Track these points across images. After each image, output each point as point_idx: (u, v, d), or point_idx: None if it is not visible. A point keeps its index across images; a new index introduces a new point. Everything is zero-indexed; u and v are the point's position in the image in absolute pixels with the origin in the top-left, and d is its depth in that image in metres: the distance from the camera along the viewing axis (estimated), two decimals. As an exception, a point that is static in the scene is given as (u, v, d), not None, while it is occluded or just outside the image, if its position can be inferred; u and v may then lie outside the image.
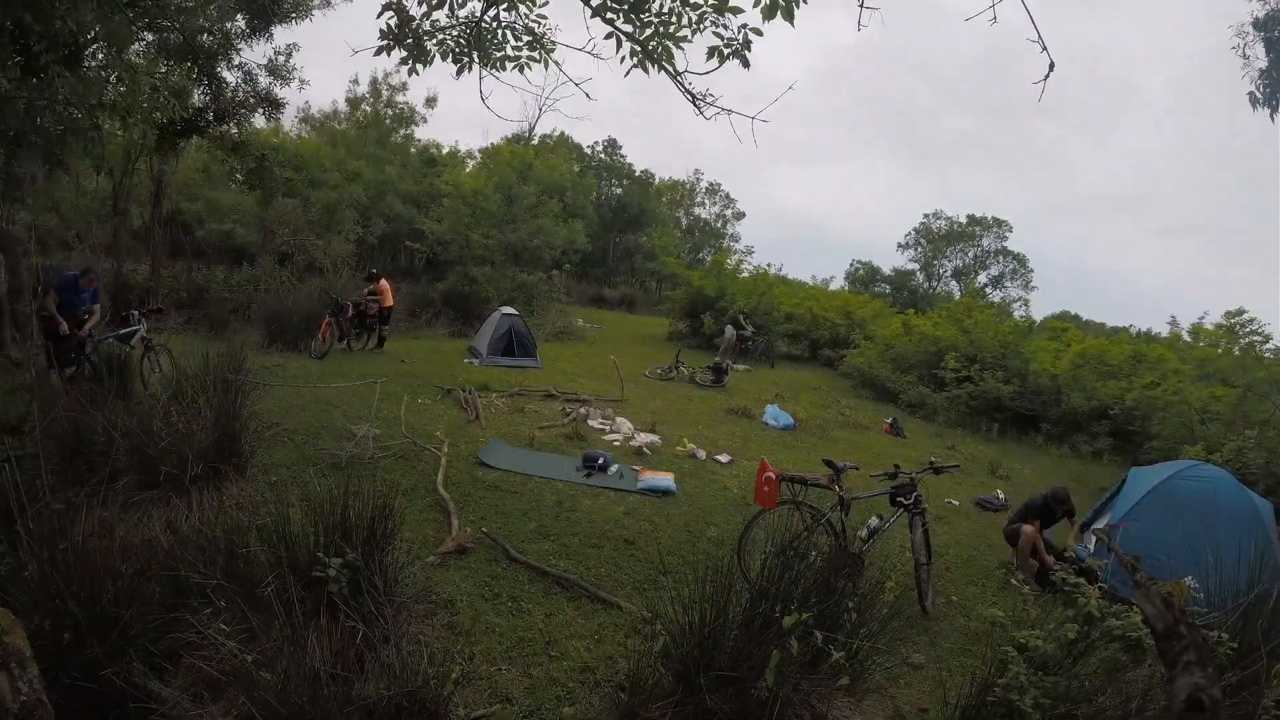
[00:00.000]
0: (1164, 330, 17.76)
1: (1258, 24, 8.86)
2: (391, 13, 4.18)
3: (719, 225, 48.34)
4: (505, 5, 4.36)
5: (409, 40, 4.26)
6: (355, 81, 27.08)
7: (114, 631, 2.87)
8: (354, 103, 27.03)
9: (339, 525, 3.50)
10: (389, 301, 13.33)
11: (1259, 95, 8.96)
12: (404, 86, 27.04)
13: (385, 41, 4.22)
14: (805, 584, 3.27)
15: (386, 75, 26.56)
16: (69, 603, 2.83)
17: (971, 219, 46.82)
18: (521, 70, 4.52)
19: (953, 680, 3.68)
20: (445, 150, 34.11)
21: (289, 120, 26.23)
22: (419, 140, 31.24)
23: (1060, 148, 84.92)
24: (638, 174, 40.36)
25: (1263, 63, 8.87)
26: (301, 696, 2.55)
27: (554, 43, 4.53)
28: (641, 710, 3.02)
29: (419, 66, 4.37)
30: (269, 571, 3.20)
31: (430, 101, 28.50)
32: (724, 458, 8.18)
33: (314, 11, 11.28)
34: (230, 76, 11.36)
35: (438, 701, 2.72)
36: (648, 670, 3.15)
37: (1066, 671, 3.11)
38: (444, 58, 4.40)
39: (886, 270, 44.66)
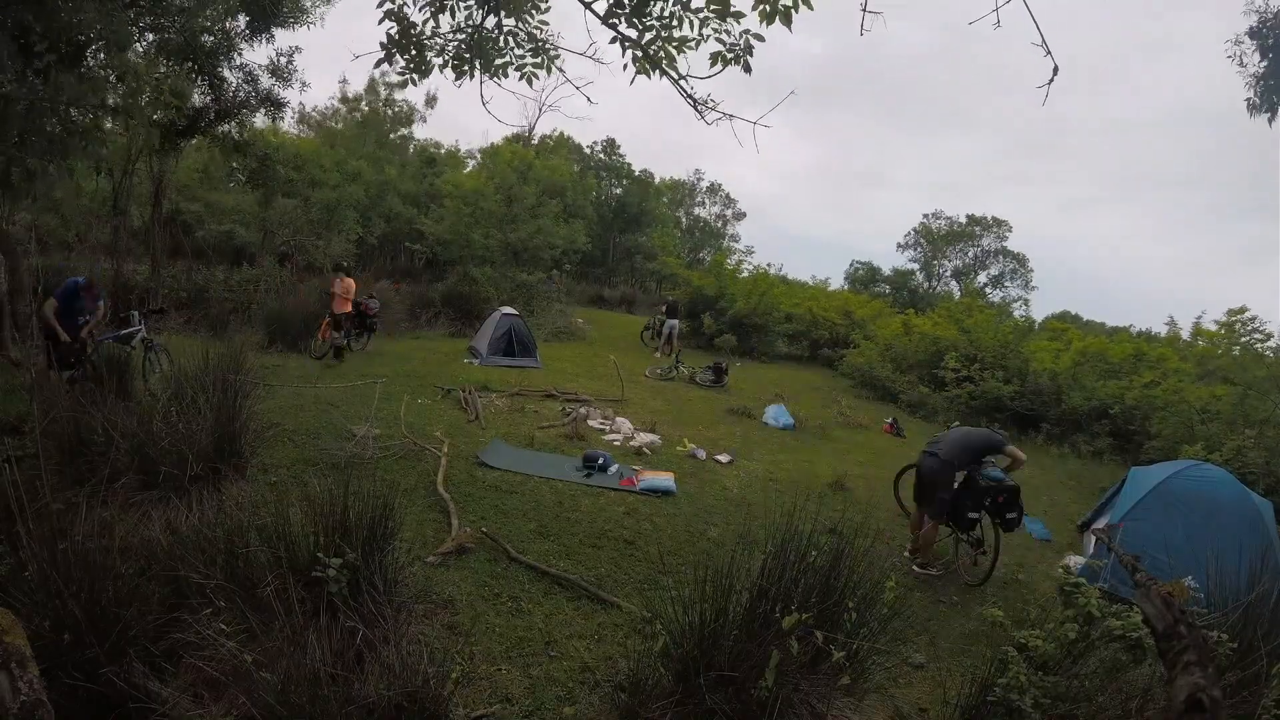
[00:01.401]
0: (1164, 330, 17.73)
1: (1253, 32, 8.92)
2: (392, 22, 4.17)
3: (719, 225, 48.36)
4: (506, 13, 4.36)
5: (411, 50, 4.25)
6: (347, 81, 27.09)
7: (114, 631, 2.87)
8: (352, 103, 27.03)
9: (339, 525, 3.50)
10: (345, 306, 11.30)
11: (1256, 101, 9.02)
12: (403, 85, 27.08)
13: (387, 51, 4.22)
14: (805, 584, 3.27)
15: (384, 74, 26.59)
16: (69, 603, 2.83)
17: (971, 219, 46.86)
18: (530, 83, 4.51)
19: (953, 680, 3.68)
20: (445, 150, 34.15)
21: (288, 120, 26.23)
22: (418, 140, 31.28)
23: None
24: (637, 174, 40.38)
25: (1258, 70, 8.93)
26: (301, 696, 2.55)
27: (556, 49, 4.53)
28: (641, 710, 3.02)
29: (416, 76, 4.36)
30: (269, 571, 3.19)
31: (430, 101, 28.51)
32: (724, 458, 8.18)
33: (313, 15, 11.29)
34: (231, 76, 11.38)
35: (438, 701, 2.72)
36: (648, 670, 3.15)
37: (1066, 671, 3.11)
38: (444, 67, 4.39)
39: (886, 270, 44.71)
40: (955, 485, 5.66)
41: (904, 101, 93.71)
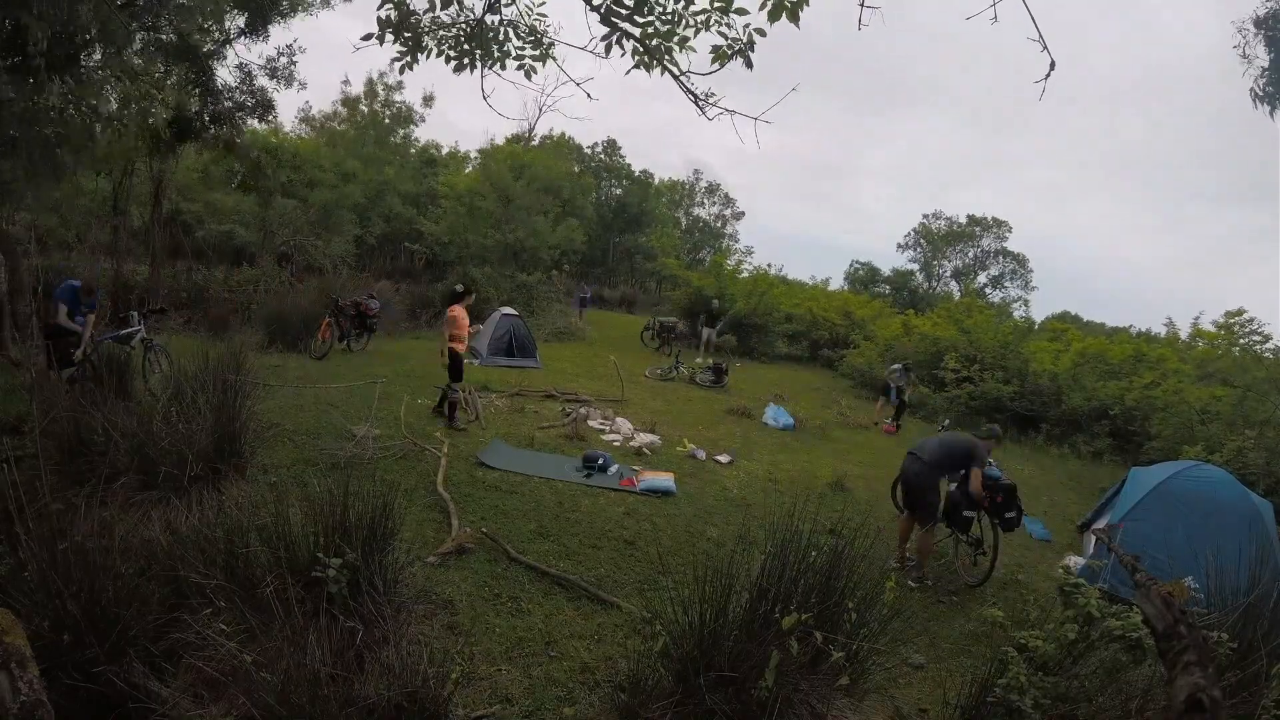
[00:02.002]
0: (1163, 330, 17.77)
1: (1259, 22, 8.85)
2: (391, 6, 4.14)
3: (718, 225, 48.37)
4: (507, 2, 4.34)
5: (407, 34, 4.22)
6: (347, 83, 27.00)
7: (114, 631, 2.87)
8: (351, 103, 26.99)
9: (339, 525, 3.50)
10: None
11: (1260, 93, 8.97)
12: (400, 85, 26.98)
13: (381, 29, 4.17)
14: (805, 584, 3.27)
15: (382, 74, 26.54)
16: (69, 603, 2.83)
17: (971, 219, 46.91)
18: (528, 76, 4.50)
19: (953, 680, 3.68)
20: (445, 151, 34.14)
21: (288, 120, 26.23)
22: (418, 140, 31.25)
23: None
24: (637, 174, 40.40)
25: (1264, 61, 8.86)
26: (301, 696, 2.55)
27: (555, 40, 4.51)
28: (641, 710, 3.02)
29: (411, 61, 4.32)
30: (269, 571, 3.19)
31: (427, 100, 28.44)
32: (724, 458, 8.18)
33: (314, 10, 11.28)
34: (228, 78, 11.38)
35: (438, 702, 2.72)
36: (648, 670, 3.15)
37: (1066, 671, 3.11)
38: (441, 55, 4.37)
39: (886, 271, 44.73)
40: (940, 490, 5.61)
41: (896, 92, 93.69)
